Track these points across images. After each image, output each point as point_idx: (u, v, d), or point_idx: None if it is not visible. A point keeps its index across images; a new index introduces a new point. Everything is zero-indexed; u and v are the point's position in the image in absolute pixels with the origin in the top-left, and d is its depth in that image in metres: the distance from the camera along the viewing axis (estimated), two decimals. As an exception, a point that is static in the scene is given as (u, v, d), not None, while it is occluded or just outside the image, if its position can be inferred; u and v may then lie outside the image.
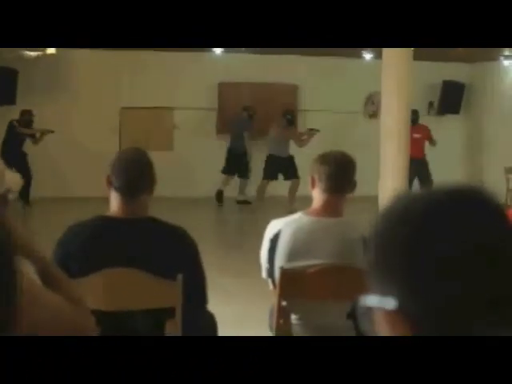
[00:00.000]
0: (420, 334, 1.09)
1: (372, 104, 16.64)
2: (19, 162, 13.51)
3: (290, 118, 14.76)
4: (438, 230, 1.08)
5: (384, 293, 1.12)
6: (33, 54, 14.42)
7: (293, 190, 14.10)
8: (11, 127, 14.33)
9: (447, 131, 17.58)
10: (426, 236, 1.09)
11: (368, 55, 15.89)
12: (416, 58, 11.19)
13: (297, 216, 3.98)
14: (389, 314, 1.12)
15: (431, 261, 1.07)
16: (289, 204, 13.58)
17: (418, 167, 13.94)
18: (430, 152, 15.30)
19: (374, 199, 11.51)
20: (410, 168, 11.73)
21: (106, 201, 3.76)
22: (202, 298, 3.77)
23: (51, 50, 14.21)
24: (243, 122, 15.28)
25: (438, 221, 1.09)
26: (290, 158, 14.52)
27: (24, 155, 14.31)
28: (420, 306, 1.08)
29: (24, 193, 13.68)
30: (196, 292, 3.70)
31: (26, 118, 14.45)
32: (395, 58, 10.93)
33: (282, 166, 14.50)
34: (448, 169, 15.69)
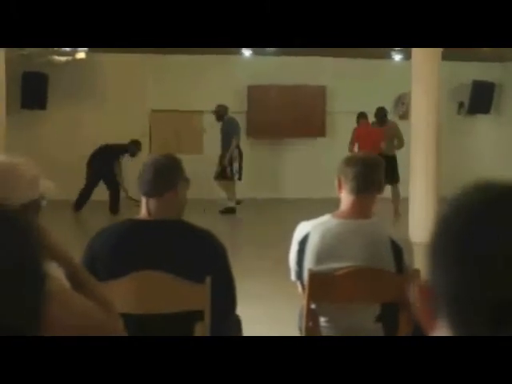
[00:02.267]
0: (443, 319, 1.09)
1: (402, 105, 16.57)
2: (109, 176, 13.94)
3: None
4: (490, 226, 1.07)
5: (432, 271, 1.12)
6: (62, 58, 14.52)
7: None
8: (117, 152, 14.35)
9: (478, 131, 17.48)
10: (476, 231, 1.08)
11: (397, 56, 15.83)
12: (445, 58, 11.14)
13: (325, 218, 3.97)
14: (426, 287, 1.12)
15: (476, 256, 1.06)
16: None
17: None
18: (459, 151, 15.18)
19: (405, 200, 11.47)
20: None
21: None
22: (232, 302, 3.77)
23: (81, 55, 14.32)
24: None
25: (491, 217, 1.08)
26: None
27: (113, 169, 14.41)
28: (452, 293, 1.08)
29: (113, 204, 14.08)
30: (225, 295, 3.70)
31: (133, 148, 14.47)
32: (424, 59, 10.89)
33: None
34: (479, 168, 15.57)
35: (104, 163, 14.12)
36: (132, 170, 14.57)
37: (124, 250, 3.59)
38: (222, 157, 14.52)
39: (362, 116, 14.34)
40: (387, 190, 9.86)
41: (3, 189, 2.49)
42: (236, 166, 14.59)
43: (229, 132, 14.49)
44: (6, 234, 1.10)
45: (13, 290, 1.08)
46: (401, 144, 13.46)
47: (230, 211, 14.39)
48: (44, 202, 2.62)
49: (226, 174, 14.56)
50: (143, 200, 3.70)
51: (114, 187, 14.27)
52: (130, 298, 3.45)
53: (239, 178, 14.68)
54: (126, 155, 14.25)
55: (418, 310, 1.14)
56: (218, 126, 16.19)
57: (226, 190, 14.65)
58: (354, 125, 14.49)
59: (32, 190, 2.55)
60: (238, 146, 14.65)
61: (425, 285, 1.13)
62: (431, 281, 1.12)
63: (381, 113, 13.86)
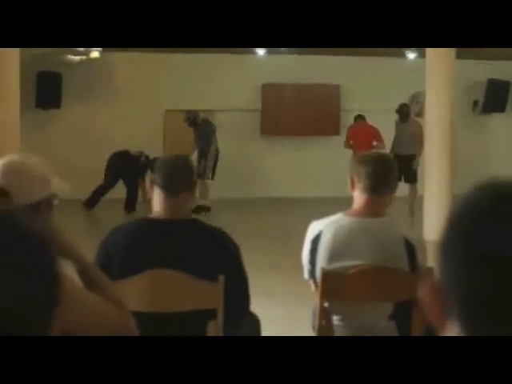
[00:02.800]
0: (453, 319, 1.09)
1: (416, 103, 16.52)
2: (129, 176, 14.07)
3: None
4: (499, 225, 1.07)
5: (442, 270, 1.11)
6: (76, 58, 14.56)
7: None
8: (141, 167, 14.35)
9: (492, 130, 17.41)
10: (485, 230, 1.07)
11: (411, 54, 15.79)
12: (460, 56, 11.11)
13: (337, 217, 3.97)
14: (437, 286, 1.11)
15: (485, 255, 1.06)
16: None
17: None
18: (474, 150, 15.13)
19: (419, 198, 11.44)
20: None
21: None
22: (245, 300, 3.78)
23: (95, 54, 14.35)
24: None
25: (500, 216, 1.08)
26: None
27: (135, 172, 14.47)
28: (458, 291, 1.08)
29: (130, 202, 14.15)
30: (238, 294, 3.70)
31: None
32: (439, 57, 10.87)
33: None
34: (494, 167, 15.52)
35: (127, 164, 14.18)
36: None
37: (138, 248, 3.59)
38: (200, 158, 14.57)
39: (359, 117, 14.64)
40: (402, 189, 9.83)
41: (13, 187, 2.50)
42: (210, 164, 14.61)
43: (208, 134, 14.51)
44: (15, 234, 1.11)
45: (24, 289, 1.08)
46: (418, 147, 13.29)
47: (203, 210, 14.26)
48: (56, 201, 2.64)
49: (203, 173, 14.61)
50: (160, 195, 3.69)
51: (134, 186, 14.31)
52: (143, 296, 3.46)
53: (212, 178, 14.68)
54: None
55: (429, 309, 1.14)
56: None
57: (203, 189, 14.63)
58: (369, 123, 14.48)
59: (42, 189, 2.56)
60: (216, 146, 14.72)
61: (436, 284, 1.12)
62: (441, 280, 1.12)
63: (402, 109, 13.88)
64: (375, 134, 14.00)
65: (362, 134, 14.02)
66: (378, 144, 13.71)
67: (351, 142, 14.19)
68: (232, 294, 3.57)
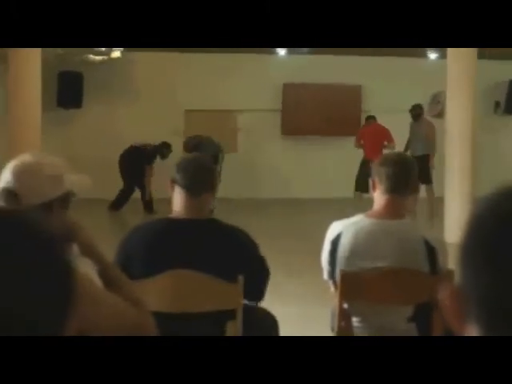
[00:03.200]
0: (473, 322, 1.08)
1: (437, 103, 16.46)
2: (140, 178, 14.08)
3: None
4: None
5: (462, 273, 1.11)
6: (97, 57, 14.61)
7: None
8: (148, 156, 14.42)
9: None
10: (507, 233, 1.07)
11: (433, 55, 15.75)
12: (481, 56, 11.06)
13: (358, 218, 3.96)
14: (456, 289, 1.11)
15: (505, 258, 1.05)
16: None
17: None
18: (496, 151, 15.03)
19: (440, 200, 11.40)
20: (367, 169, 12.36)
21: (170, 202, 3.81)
22: (260, 297, 3.81)
23: (116, 54, 14.39)
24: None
25: None
26: None
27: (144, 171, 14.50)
28: (477, 294, 1.07)
29: (147, 204, 14.15)
30: (260, 290, 3.74)
31: (164, 151, 14.56)
32: (460, 58, 10.82)
33: None
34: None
35: (135, 165, 14.17)
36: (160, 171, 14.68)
37: (159, 248, 3.60)
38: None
39: (370, 117, 14.65)
40: (422, 191, 9.83)
41: (24, 188, 2.52)
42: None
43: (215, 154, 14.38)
44: (24, 234, 1.11)
45: (35, 289, 1.08)
46: (431, 147, 13.39)
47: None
48: (71, 198, 2.64)
49: None
50: (181, 195, 3.70)
51: (145, 188, 14.34)
52: (163, 296, 3.47)
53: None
54: (158, 157, 14.34)
55: (448, 312, 1.13)
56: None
57: None
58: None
59: (55, 188, 2.56)
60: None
61: (456, 286, 1.12)
62: (461, 282, 1.11)
63: (415, 110, 13.91)
64: (386, 134, 14.04)
65: (372, 134, 14.06)
66: (389, 144, 13.76)
67: (361, 141, 14.26)
68: (252, 292, 3.62)
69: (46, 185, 2.54)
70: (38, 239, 1.12)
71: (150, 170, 14.15)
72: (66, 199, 2.60)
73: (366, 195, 12.67)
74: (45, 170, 2.57)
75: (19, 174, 2.54)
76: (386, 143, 13.78)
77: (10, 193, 2.51)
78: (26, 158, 2.64)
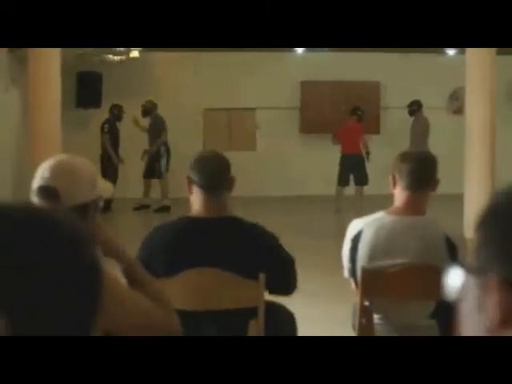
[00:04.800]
0: None
1: (456, 100, 16.40)
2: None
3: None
4: None
5: (488, 263, 1.11)
6: (116, 57, 14.66)
7: None
8: (105, 121, 14.82)
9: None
10: None
11: (451, 51, 15.67)
12: (500, 52, 10.99)
13: (378, 215, 3.96)
14: (489, 281, 1.11)
15: None
16: None
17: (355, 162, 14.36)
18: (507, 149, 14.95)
19: (459, 197, 11.35)
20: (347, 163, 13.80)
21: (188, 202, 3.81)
22: (294, 286, 3.81)
23: (134, 54, 14.43)
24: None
25: None
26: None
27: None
28: None
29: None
30: (286, 284, 3.76)
31: (116, 112, 14.91)
32: (479, 54, 10.77)
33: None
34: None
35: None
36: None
37: (181, 247, 3.62)
38: (148, 153, 14.61)
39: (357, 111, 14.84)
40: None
41: (63, 188, 2.53)
42: (164, 163, 14.60)
43: (157, 129, 14.57)
44: (60, 234, 1.12)
45: (64, 288, 1.10)
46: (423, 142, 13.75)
47: (164, 210, 14.15)
48: (101, 203, 2.66)
49: (154, 171, 14.59)
50: (200, 194, 3.71)
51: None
52: (186, 294, 3.48)
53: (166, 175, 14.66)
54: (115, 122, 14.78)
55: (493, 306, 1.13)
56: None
57: (161, 188, 14.60)
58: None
59: (91, 191, 2.58)
60: (165, 143, 14.71)
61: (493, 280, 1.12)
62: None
63: (411, 106, 14.27)
64: (361, 131, 14.44)
65: (347, 132, 14.43)
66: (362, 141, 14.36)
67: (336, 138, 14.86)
68: (282, 286, 3.69)
69: (83, 186, 2.57)
70: (76, 241, 1.13)
71: (104, 135, 14.58)
72: (97, 203, 2.62)
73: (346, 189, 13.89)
74: (82, 171, 2.59)
75: (59, 173, 2.55)
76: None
77: (52, 191, 2.52)
78: (62, 157, 2.65)
